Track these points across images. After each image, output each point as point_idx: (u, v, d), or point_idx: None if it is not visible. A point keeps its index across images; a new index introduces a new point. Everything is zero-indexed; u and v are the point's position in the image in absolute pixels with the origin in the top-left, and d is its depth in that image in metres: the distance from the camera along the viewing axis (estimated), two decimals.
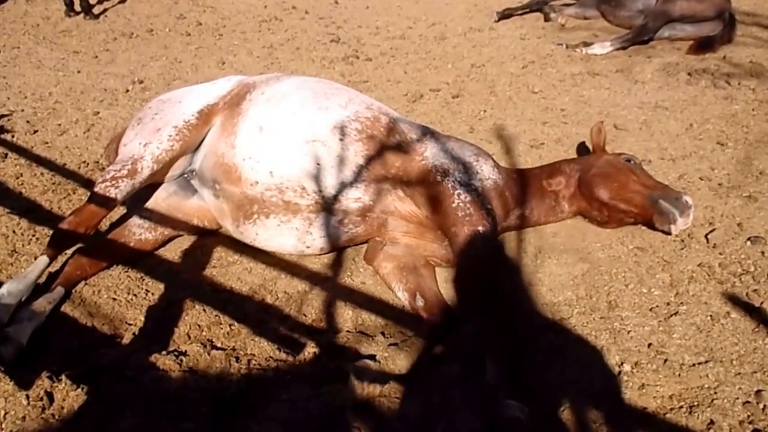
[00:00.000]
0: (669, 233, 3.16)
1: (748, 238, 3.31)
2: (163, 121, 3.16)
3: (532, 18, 7.89)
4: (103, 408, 2.24)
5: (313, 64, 6.36)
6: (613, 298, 2.94)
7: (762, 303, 2.85)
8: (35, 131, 4.62)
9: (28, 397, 2.25)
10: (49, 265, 2.87)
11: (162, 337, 2.69)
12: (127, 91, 5.49)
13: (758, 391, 2.36)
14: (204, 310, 2.83)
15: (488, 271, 2.74)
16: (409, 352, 2.54)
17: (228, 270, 3.19)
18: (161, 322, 2.78)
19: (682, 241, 3.34)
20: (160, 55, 6.52)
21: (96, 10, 7.80)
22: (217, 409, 2.28)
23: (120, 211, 3.48)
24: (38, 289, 2.84)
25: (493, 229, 2.89)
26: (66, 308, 2.84)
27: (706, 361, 2.53)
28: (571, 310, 2.87)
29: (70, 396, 2.27)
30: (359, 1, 8.82)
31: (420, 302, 2.87)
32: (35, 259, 2.89)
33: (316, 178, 2.99)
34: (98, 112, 4.99)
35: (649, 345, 2.63)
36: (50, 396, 2.27)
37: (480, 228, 2.79)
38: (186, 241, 3.39)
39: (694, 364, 2.51)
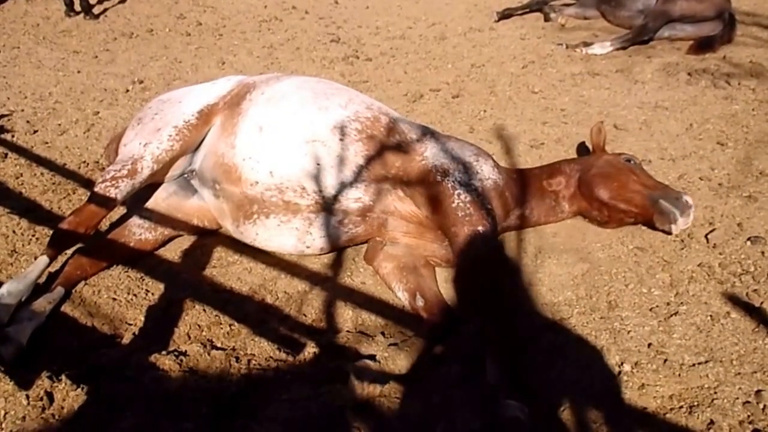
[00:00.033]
0: (669, 233, 3.17)
1: (748, 238, 3.31)
2: (163, 121, 3.16)
3: (532, 18, 7.89)
4: (103, 408, 2.24)
5: (313, 64, 6.36)
6: (613, 298, 2.94)
7: (762, 303, 2.85)
8: (35, 131, 4.62)
9: (28, 397, 2.25)
10: (49, 265, 2.87)
11: (162, 337, 2.69)
12: (127, 91, 5.49)
13: (758, 391, 2.36)
14: (204, 310, 2.83)
15: (488, 271, 2.74)
16: (409, 352, 2.54)
17: (228, 270, 3.19)
18: (161, 322, 2.78)
19: (682, 241, 3.34)
20: (160, 55, 6.52)
21: (96, 10, 7.80)
22: (217, 409, 2.28)
23: (120, 211, 3.48)
24: (38, 289, 2.84)
25: (493, 229, 2.89)
26: (66, 308, 2.84)
27: (706, 361, 2.53)
28: (571, 310, 2.87)
29: (70, 396, 2.27)
30: (359, 1, 8.82)
31: (420, 302, 2.87)
32: (35, 259, 2.89)
33: (316, 178, 2.99)
34: (98, 112, 4.99)
35: (649, 345, 2.63)
36: (50, 396, 2.27)
37: (480, 228, 2.79)
38: (186, 241, 3.39)
39: (694, 364, 2.51)
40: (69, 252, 3.02)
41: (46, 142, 4.45)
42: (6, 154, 4.16)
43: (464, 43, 7.04)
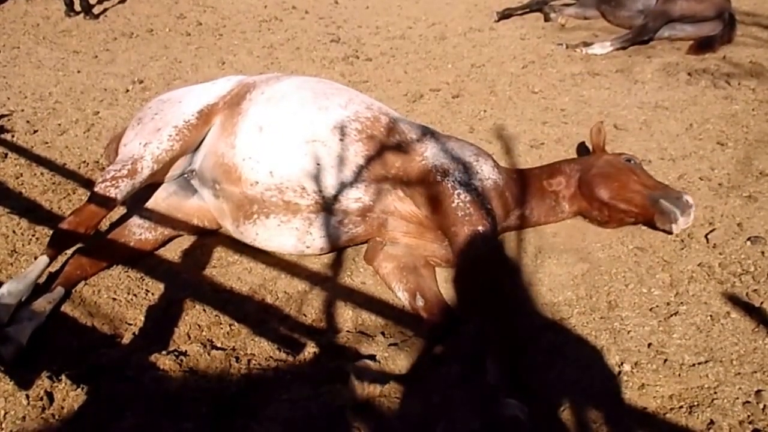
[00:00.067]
0: (670, 233, 3.17)
1: (748, 238, 3.31)
2: (163, 121, 3.16)
3: (532, 18, 7.89)
4: (103, 408, 2.24)
5: (313, 64, 6.36)
6: (613, 298, 2.94)
7: (762, 303, 2.85)
8: (35, 131, 4.62)
9: (28, 397, 2.25)
10: (49, 265, 2.87)
11: (162, 337, 2.69)
12: (127, 91, 5.49)
13: (758, 391, 2.36)
14: (204, 310, 2.83)
15: (488, 271, 2.74)
16: (409, 352, 2.54)
17: (228, 270, 3.19)
18: (161, 322, 2.78)
19: (682, 241, 3.34)
20: (160, 55, 6.52)
21: (96, 10, 7.80)
22: (217, 409, 2.28)
23: (120, 211, 3.48)
24: (38, 289, 2.84)
25: (493, 229, 2.89)
26: (66, 308, 2.84)
27: (706, 361, 2.53)
28: (571, 310, 2.87)
29: (70, 396, 2.26)
30: (359, 1, 8.82)
31: (420, 302, 2.87)
32: (35, 259, 2.89)
33: (316, 178, 2.99)
34: (98, 112, 4.99)
35: (649, 345, 2.63)
36: (50, 396, 2.27)
37: (480, 228, 2.79)
38: (186, 241, 3.39)
39: (694, 364, 2.51)
40: (69, 252, 3.02)
41: (46, 142, 4.45)
42: (6, 154, 4.16)
43: (464, 43, 7.04)
